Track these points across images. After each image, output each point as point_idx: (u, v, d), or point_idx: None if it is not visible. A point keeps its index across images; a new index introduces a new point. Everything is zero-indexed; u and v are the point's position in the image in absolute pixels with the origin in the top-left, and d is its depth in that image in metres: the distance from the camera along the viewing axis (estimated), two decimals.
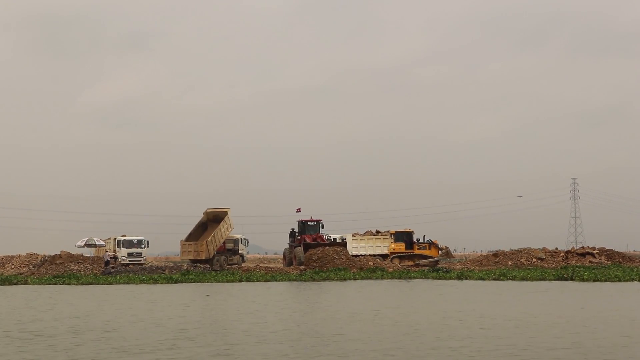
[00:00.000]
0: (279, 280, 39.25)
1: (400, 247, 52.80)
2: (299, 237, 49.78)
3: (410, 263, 50.50)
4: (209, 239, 49.89)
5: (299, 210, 51.34)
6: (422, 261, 50.63)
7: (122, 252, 54.59)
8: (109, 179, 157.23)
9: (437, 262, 50.08)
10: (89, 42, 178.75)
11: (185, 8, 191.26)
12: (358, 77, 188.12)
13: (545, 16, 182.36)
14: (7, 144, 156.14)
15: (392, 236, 53.73)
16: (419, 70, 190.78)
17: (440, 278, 39.79)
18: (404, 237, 53.07)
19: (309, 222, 50.30)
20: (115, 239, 56.10)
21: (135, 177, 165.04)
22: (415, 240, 53.94)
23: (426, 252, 51.57)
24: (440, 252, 52.44)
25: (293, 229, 50.81)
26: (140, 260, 54.80)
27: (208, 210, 52.44)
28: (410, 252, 51.90)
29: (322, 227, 50.33)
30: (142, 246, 55.93)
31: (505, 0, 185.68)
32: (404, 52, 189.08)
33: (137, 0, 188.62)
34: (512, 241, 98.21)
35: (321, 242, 48.58)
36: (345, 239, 55.54)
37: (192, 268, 45.39)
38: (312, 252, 46.07)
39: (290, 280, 39.64)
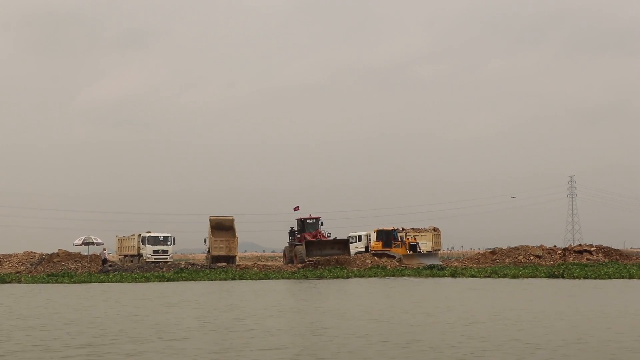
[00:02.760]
0: (272, 279, 39.25)
1: (379, 245, 52.78)
2: (298, 236, 49.95)
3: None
4: (236, 238, 52.55)
5: (297, 209, 51.61)
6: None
7: (148, 250, 54.23)
8: (107, 177, 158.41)
9: (400, 259, 49.51)
10: (88, 41, 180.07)
11: (184, 6, 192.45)
12: (357, 75, 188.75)
13: (543, 14, 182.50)
14: (6, 142, 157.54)
15: (375, 234, 53.93)
16: (417, 68, 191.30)
17: (433, 276, 39.73)
18: (384, 235, 52.98)
19: (308, 220, 50.58)
20: (139, 235, 55.57)
21: (134, 175, 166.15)
22: (399, 238, 53.75)
23: (398, 251, 51.29)
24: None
25: (292, 227, 51.05)
26: (167, 258, 54.20)
27: (211, 217, 53.51)
28: (383, 250, 51.79)
29: (322, 224, 50.63)
30: (168, 243, 55.54)
31: None
32: (403, 50, 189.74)
33: None
34: (510, 239, 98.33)
35: (322, 239, 48.48)
36: (370, 237, 55.57)
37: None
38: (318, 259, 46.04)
39: (283, 278, 39.64)
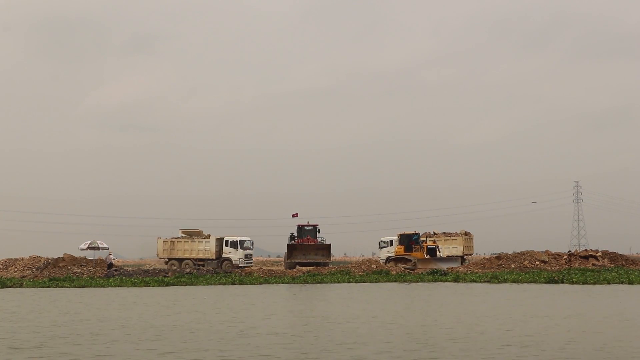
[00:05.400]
0: (272, 283, 39.25)
1: (401, 249, 51.97)
2: (293, 242, 51.41)
3: (403, 265, 49.78)
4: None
5: (295, 216, 52.48)
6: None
7: (239, 254, 53.61)
8: (113, 182, 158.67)
9: (415, 263, 49.02)
10: (95, 45, 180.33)
11: (191, 11, 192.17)
12: (364, 80, 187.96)
13: (549, 19, 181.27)
14: (13, 147, 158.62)
15: (398, 238, 52.98)
16: (424, 73, 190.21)
17: (436, 281, 39.47)
18: (405, 239, 52.12)
19: (305, 227, 51.88)
20: (218, 238, 54.67)
21: (140, 180, 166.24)
22: (419, 242, 52.82)
23: (416, 255, 50.62)
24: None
25: (292, 234, 52.08)
26: (252, 263, 54.66)
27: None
28: (402, 255, 51.17)
29: (319, 231, 51.85)
30: (251, 247, 55.44)
31: (509, 4, 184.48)
32: (410, 55, 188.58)
33: (142, 3, 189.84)
34: (515, 244, 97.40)
35: (305, 244, 50.53)
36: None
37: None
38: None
39: (283, 283, 39.63)
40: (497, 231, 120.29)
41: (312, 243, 51.10)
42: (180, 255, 54.58)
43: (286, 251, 51.56)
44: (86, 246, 49.11)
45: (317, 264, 49.05)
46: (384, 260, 53.32)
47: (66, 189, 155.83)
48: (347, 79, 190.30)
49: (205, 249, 54.08)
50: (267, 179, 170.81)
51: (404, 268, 48.09)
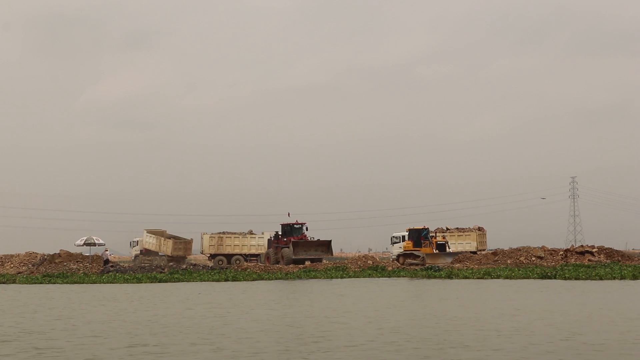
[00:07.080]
0: (265, 279, 39.20)
1: (410, 244, 51.47)
2: (284, 239, 52.14)
3: (412, 260, 49.61)
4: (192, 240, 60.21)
5: (290, 215, 53.51)
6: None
7: None
8: (109, 178, 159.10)
9: (423, 259, 48.87)
10: (91, 41, 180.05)
11: (188, 6, 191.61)
12: (361, 76, 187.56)
13: (546, 15, 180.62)
14: (9, 143, 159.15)
15: (408, 233, 52.55)
16: (421, 69, 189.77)
17: (429, 277, 39.36)
18: (415, 234, 51.57)
19: (294, 225, 52.56)
20: (277, 234, 54.96)
21: (137, 176, 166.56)
22: (428, 238, 52.40)
23: (425, 250, 50.27)
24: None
25: (277, 232, 53.05)
26: None
27: (149, 230, 58.27)
28: (412, 250, 50.87)
29: (307, 229, 52.87)
30: None
31: (506, 0, 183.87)
32: (407, 51, 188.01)
33: None
34: (512, 240, 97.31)
35: (307, 240, 51.86)
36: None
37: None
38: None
39: (277, 279, 39.60)
40: (494, 227, 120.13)
41: (309, 240, 52.26)
42: (229, 250, 55.73)
43: (279, 249, 52.25)
44: (82, 242, 49.09)
45: (319, 260, 49.87)
46: (396, 256, 53.24)
47: (63, 185, 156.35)
48: (344, 75, 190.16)
49: (259, 244, 55.61)
50: (264, 174, 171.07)
51: (411, 264, 48.01)
